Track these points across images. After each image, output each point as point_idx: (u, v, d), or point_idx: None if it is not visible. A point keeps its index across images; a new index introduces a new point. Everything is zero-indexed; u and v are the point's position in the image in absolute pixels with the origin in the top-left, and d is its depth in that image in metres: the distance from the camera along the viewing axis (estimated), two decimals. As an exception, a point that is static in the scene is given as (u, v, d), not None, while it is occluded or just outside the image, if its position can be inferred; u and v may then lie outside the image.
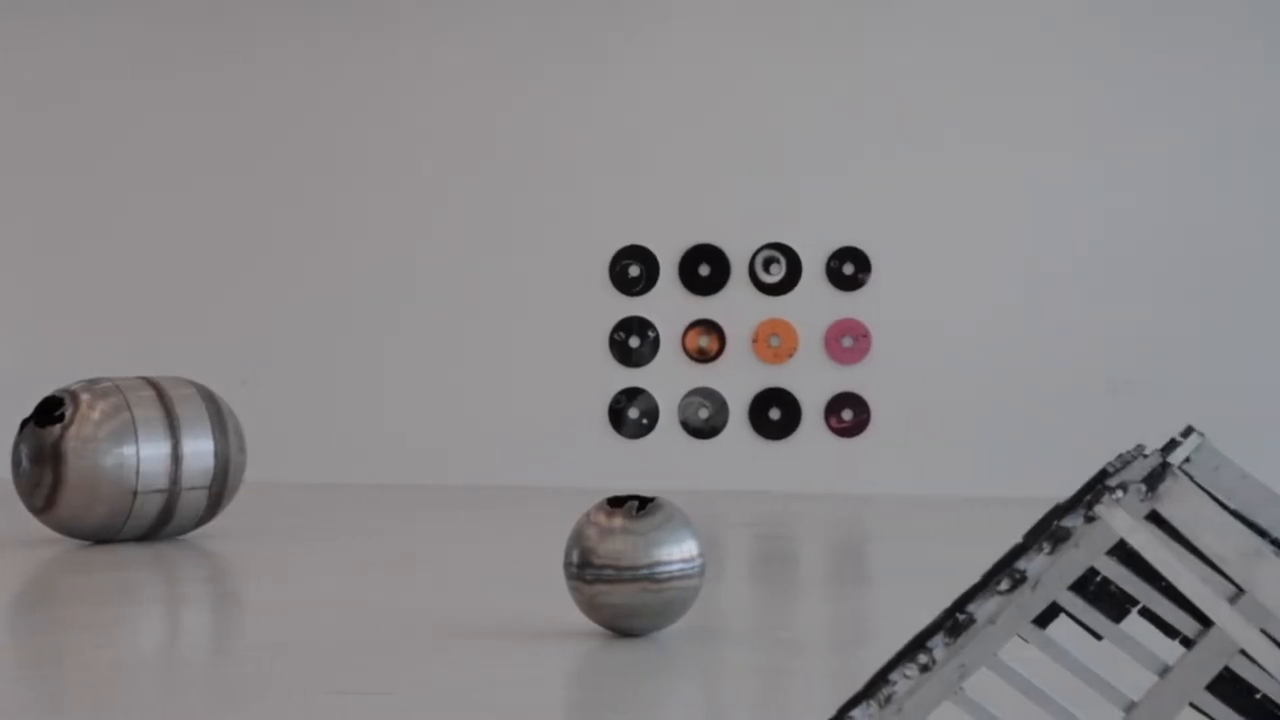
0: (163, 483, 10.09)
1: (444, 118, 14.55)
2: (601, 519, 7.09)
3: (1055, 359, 13.48)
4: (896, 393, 13.89)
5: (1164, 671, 2.69)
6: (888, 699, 2.43)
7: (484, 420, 14.42)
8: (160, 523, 10.24)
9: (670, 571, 6.98)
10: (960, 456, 13.60)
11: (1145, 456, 2.68)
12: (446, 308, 14.56)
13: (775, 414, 14.18)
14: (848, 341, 14.06)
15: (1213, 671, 2.65)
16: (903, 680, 2.43)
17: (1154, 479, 2.33)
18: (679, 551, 7.03)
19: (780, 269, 14.17)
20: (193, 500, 10.30)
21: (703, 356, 14.30)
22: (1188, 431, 2.94)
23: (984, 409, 13.61)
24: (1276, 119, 13.20)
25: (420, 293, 14.61)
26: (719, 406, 14.26)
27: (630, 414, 14.36)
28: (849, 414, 14.06)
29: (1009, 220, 13.71)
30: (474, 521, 12.12)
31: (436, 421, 14.49)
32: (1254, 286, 13.29)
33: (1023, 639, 2.67)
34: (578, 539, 7.11)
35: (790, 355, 14.15)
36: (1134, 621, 2.86)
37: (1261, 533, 2.86)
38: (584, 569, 7.02)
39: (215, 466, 10.37)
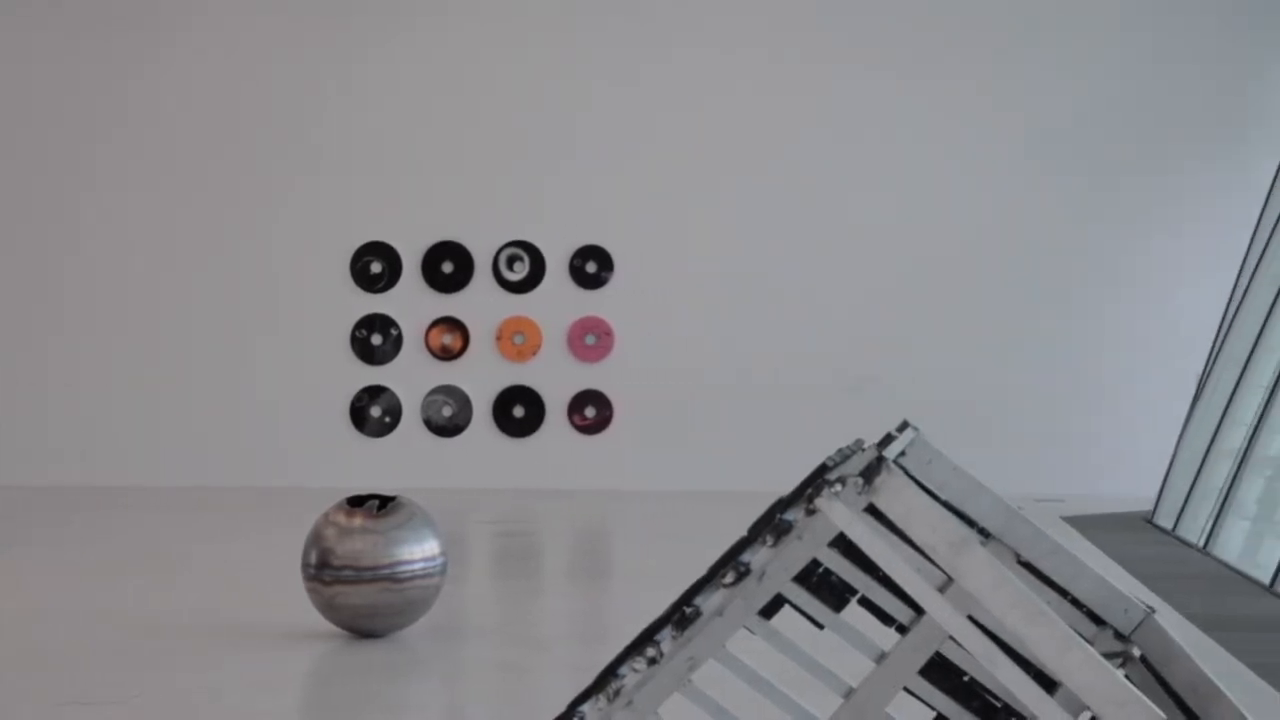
0: None
1: (175, 113, 14.11)
2: (341, 519, 7.01)
3: (794, 357, 13.85)
4: (638, 390, 14.07)
5: (880, 658, 2.81)
6: (617, 693, 2.47)
7: (221, 420, 14.04)
8: None
9: (412, 570, 6.93)
10: (701, 453, 13.86)
11: (863, 451, 2.79)
12: (180, 305, 14.12)
13: (519, 411, 14.20)
14: (590, 339, 14.18)
15: (925, 657, 2.77)
16: (631, 674, 2.48)
17: (870, 473, 2.43)
18: (420, 550, 6.99)
19: (524, 267, 14.20)
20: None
21: (446, 354, 14.22)
22: (903, 426, 3.07)
23: (724, 406, 13.89)
24: (1004, 131, 13.82)
25: (152, 290, 14.13)
26: (462, 404, 14.21)
27: (372, 412, 14.18)
28: (592, 411, 14.18)
29: (750, 222, 14.02)
30: (209, 523, 11.79)
31: (171, 422, 14.04)
32: (982, 291, 13.88)
33: (749, 630, 2.75)
34: (316, 539, 7.01)
35: (534, 353, 14.19)
36: (854, 610, 2.97)
37: (971, 523, 3.01)
38: (322, 570, 6.92)
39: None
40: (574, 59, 14.13)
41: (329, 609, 7.00)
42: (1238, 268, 12.44)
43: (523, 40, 14.15)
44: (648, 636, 2.54)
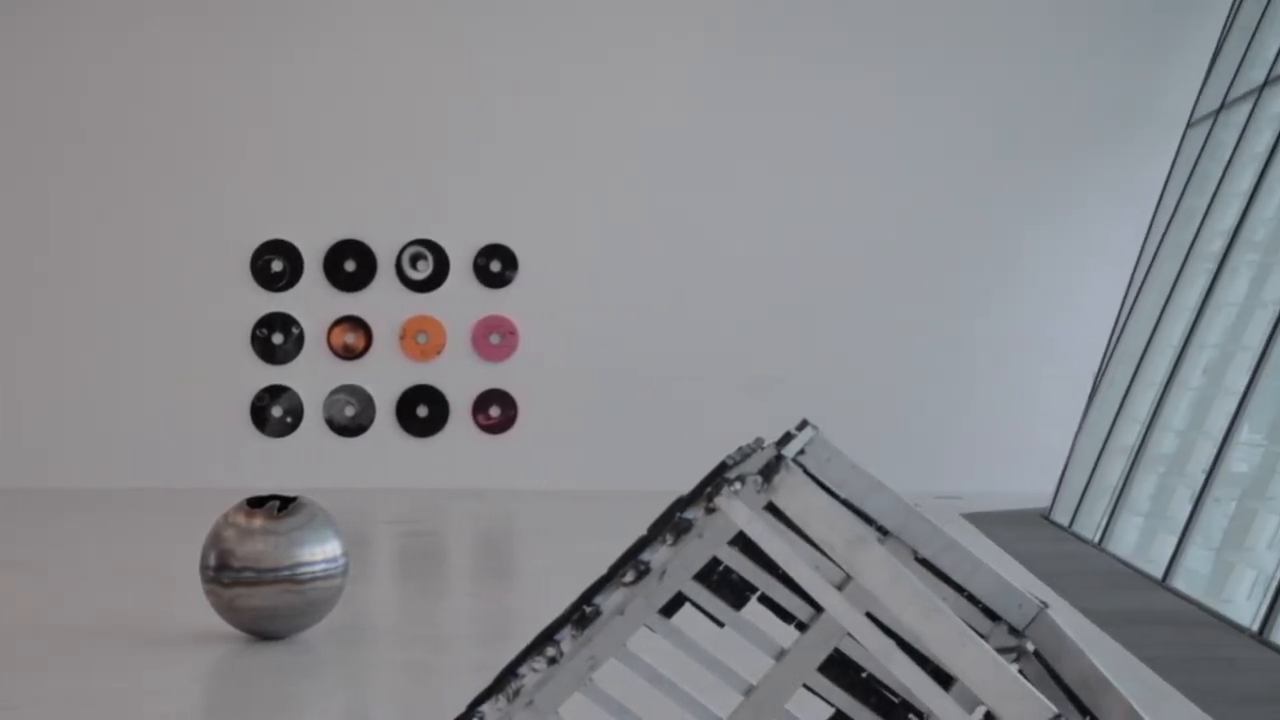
0: None
1: (72, 112, 13.86)
2: (241, 520, 6.92)
3: (699, 356, 13.91)
4: (543, 389, 14.05)
5: (780, 655, 2.83)
6: (516, 692, 2.47)
7: (119, 420, 13.82)
8: None
9: (313, 572, 6.87)
10: (605, 452, 13.87)
11: (762, 449, 2.80)
12: (78, 304, 13.88)
13: (423, 411, 14.12)
14: (495, 338, 14.13)
15: (823, 654, 2.79)
16: (531, 674, 2.48)
17: (769, 471, 2.44)
18: (322, 551, 6.93)
19: (428, 265, 14.12)
20: None
21: (349, 353, 14.10)
22: (802, 425, 3.09)
23: (628, 405, 13.91)
24: (903, 132, 13.96)
25: (51, 289, 13.89)
26: (365, 404, 14.10)
27: (273, 412, 14.03)
28: (496, 410, 14.14)
29: (655, 222, 14.05)
30: (106, 525, 11.59)
31: (69, 422, 13.81)
32: (882, 291, 14.02)
33: (649, 629, 2.75)
34: (215, 541, 6.92)
35: (438, 352, 14.12)
36: (755, 608, 2.98)
37: (869, 521, 3.04)
38: (222, 571, 6.84)
39: None
40: (478, 60, 14.08)
41: (228, 611, 6.91)
42: (1133, 266, 12.68)
43: (427, 40, 14.08)
44: (548, 636, 2.54)
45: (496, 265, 14.11)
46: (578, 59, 13.99)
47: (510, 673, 2.52)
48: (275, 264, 14.04)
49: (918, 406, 13.80)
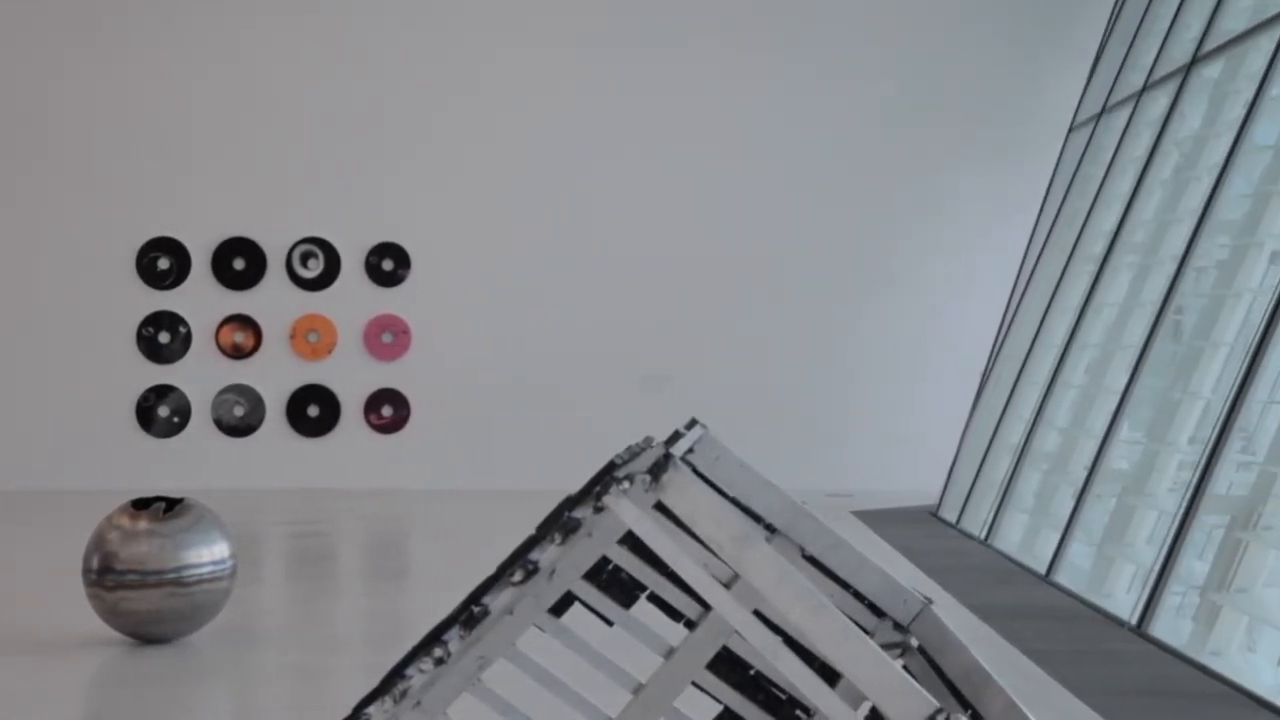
0: None
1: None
2: (125, 522, 6.81)
3: (592, 355, 13.91)
4: (436, 389, 13.98)
5: (669, 653, 2.84)
6: (403, 694, 2.45)
7: (0, 420, 13.53)
8: None
9: (199, 574, 6.77)
10: (498, 452, 13.83)
11: (651, 448, 2.82)
12: (-45, 300, 13.57)
13: (314, 411, 13.98)
14: (387, 338, 14.03)
15: (712, 651, 2.81)
16: (418, 674, 2.47)
17: (657, 470, 2.45)
18: (209, 553, 6.84)
19: (319, 264, 13.98)
20: None
21: (238, 353, 13.91)
22: (691, 424, 3.11)
23: (521, 405, 13.88)
24: (791, 133, 14.07)
25: (-76, 283, 13.56)
26: (255, 403, 13.92)
27: (160, 412, 13.80)
28: (389, 410, 14.03)
29: (549, 221, 14.03)
30: (-14, 529, 11.34)
31: (-57, 422, 13.49)
32: (773, 290, 14.12)
33: (539, 628, 2.75)
34: (98, 544, 6.80)
35: (329, 351, 13.99)
36: (645, 607, 2.99)
37: (757, 519, 3.06)
38: (105, 575, 6.72)
39: None
40: (371, 54, 13.97)
41: (112, 615, 6.79)
42: (1018, 268, 12.91)
43: (319, 33, 13.94)
44: (435, 637, 2.53)
45: (389, 264, 14.01)
46: (468, 55, 13.93)
47: (397, 674, 2.51)
48: (162, 262, 13.82)
49: (809, 405, 13.92)
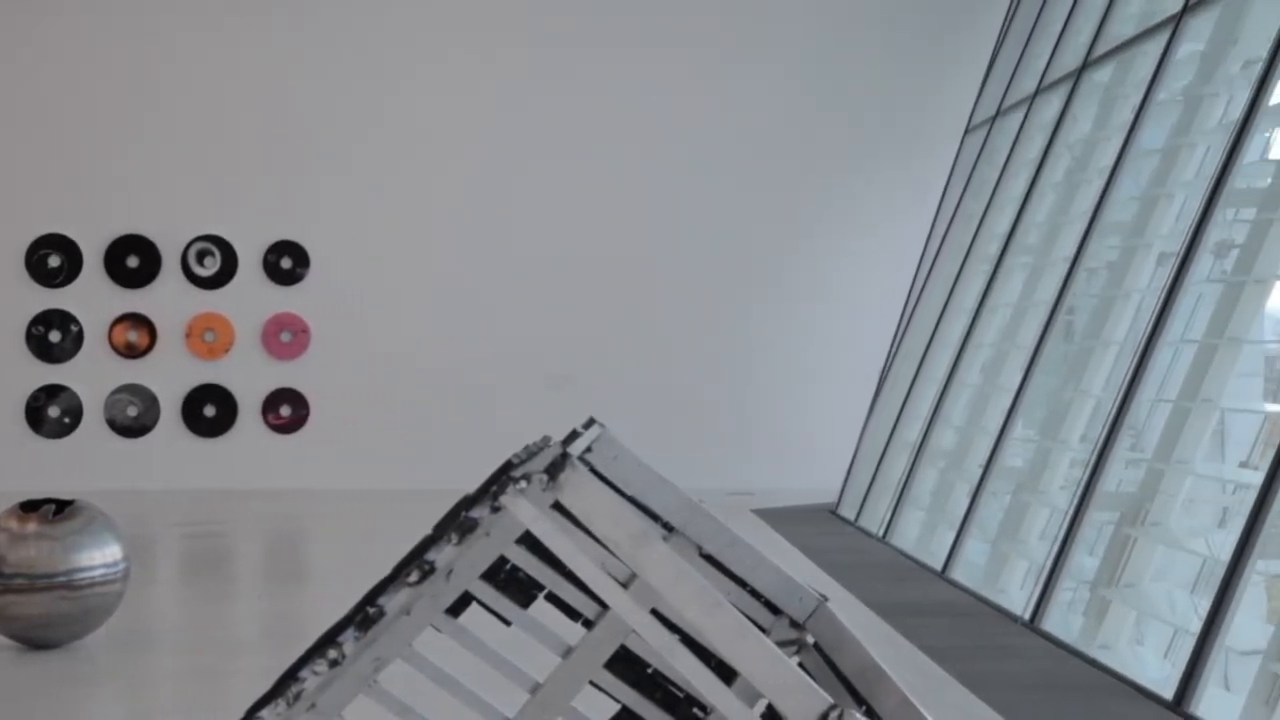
0: None
1: None
2: (13, 524, 6.67)
3: (493, 355, 13.87)
4: (336, 388, 13.85)
5: (566, 653, 2.84)
6: (297, 696, 2.43)
7: (-119, 421, 13.21)
8: None
9: (90, 577, 6.65)
10: (399, 451, 13.74)
11: (549, 447, 2.81)
12: None
13: (210, 411, 13.79)
14: (286, 337, 13.88)
15: (610, 650, 2.81)
16: (312, 677, 2.44)
17: (555, 469, 2.45)
18: (100, 556, 6.71)
19: (215, 262, 13.79)
20: None
21: (131, 352, 13.69)
22: (590, 423, 3.12)
23: (421, 404, 13.81)
24: (693, 134, 14.13)
25: None
26: (149, 403, 13.71)
27: (50, 412, 13.53)
28: (288, 410, 13.89)
29: (450, 219, 13.97)
30: None
31: None
32: (675, 291, 14.17)
33: (436, 629, 2.74)
34: (-14, 547, 6.65)
35: (226, 351, 13.81)
36: (544, 606, 2.99)
37: (655, 518, 3.07)
38: (-7, 579, 6.58)
39: None
40: (268, 48, 13.81)
41: (0, 620, 6.65)
42: (915, 268, 13.07)
43: (216, 25, 13.76)
44: (330, 639, 2.51)
45: (287, 262, 13.86)
46: (367, 51, 13.82)
47: (291, 677, 2.48)
48: (52, 259, 13.55)
49: (712, 405, 13.99)
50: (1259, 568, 5.93)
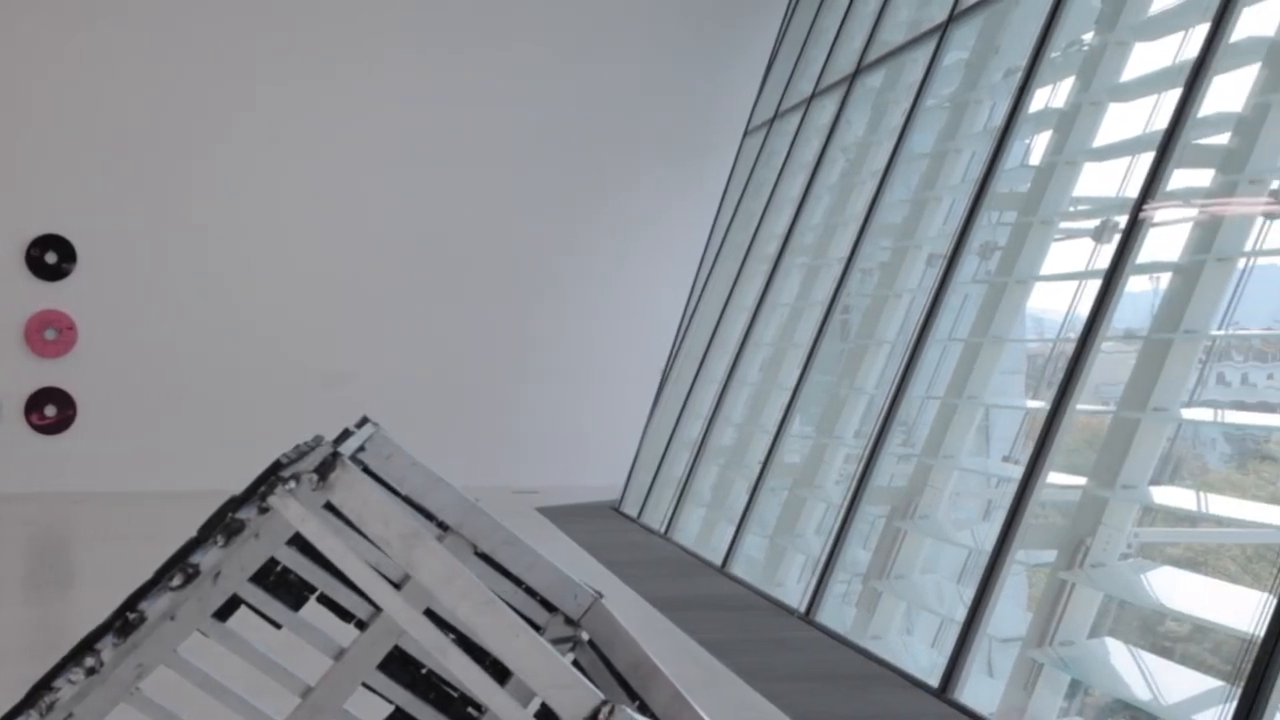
0: None
1: None
2: None
3: (267, 353, 13.58)
4: (104, 387, 13.39)
5: (339, 655, 2.79)
6: (50, 706, 2.34)
7: None
8: None
9: None
10: (170, 451, 13.35)
11: (320, 447, 2.76)
12: None
13: (-31, 411, 13.19)
14: (50, 334, 13.35)
15: (383, 651, 2.78)
16: (67, 686, 2.35)
17: (325, 469, 2.40)
18: None
19: (-26, 255, 13.20)
20: None
21: (-118, 349, 13.01)
22: (363, 422, 3.07)
23: (194, 404, 13.44)
24: (478, 131, 14.07)
25: None
26: (-98, 404, 13.05)
27: None
28: (52, 410, 13.36)
29: (226, 215, 13.63)
30: None
31: None
32: (457, 290, 14.09)
33: (203, 633, 2.66)
34: None
35: (-14, 348, 13.22)
36: (316, 608, 2.93)
37: (430, 517, 3.04)
38: None
39: None
40: (37, 36, 13.27)
41: None
42: (696, 268, 13.25)
43: (-28, 11, 13.17)
44: (86, 646, 2.42)
45: (52, 256, 13.34)
46: (138, 42, 13.40)
47: (44, 686, 2.39)
48: None
49: (497, 403, 13.96)
50: (1019, 557, 6.18)
